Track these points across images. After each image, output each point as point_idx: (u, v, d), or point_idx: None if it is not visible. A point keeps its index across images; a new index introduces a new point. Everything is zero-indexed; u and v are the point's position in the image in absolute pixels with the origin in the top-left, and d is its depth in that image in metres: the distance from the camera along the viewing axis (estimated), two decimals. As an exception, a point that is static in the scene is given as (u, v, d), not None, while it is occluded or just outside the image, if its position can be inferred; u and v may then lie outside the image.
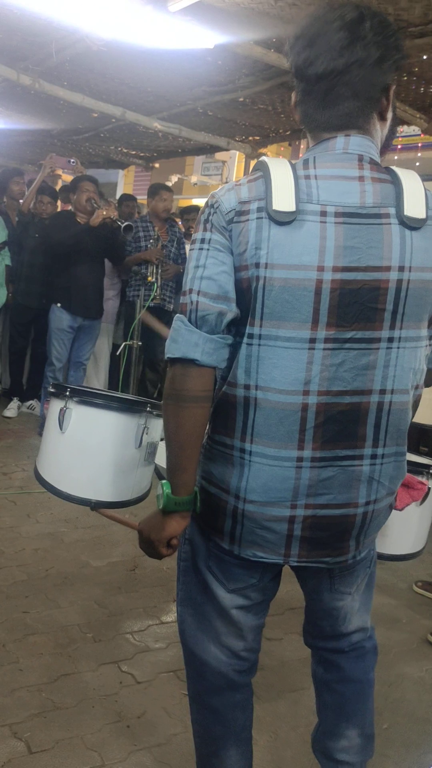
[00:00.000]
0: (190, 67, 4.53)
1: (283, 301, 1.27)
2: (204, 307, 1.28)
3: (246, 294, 1.29)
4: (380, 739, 1.97)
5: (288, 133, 6.18)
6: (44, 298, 5.33)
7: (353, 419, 1.32)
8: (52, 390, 2.10)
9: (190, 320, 1.29)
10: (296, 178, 1.28)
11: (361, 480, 1.35)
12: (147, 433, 2.04)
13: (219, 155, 9.95)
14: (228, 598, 1.46)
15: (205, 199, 1.36)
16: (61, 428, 1.98)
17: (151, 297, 5.43)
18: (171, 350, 1.30)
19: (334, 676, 1.64)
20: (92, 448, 2.01)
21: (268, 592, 1.52)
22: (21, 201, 5.50)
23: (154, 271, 5.52)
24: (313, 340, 1.27)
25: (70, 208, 5.33)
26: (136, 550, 3.32)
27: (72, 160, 5.97)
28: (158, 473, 2.17)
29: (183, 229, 5.76)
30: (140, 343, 4.99)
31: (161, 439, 2.09)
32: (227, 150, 7.11)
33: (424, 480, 2.09)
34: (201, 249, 1.31)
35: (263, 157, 1.35)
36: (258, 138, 6.44)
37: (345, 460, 1.33)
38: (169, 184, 7.17)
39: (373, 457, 1.35)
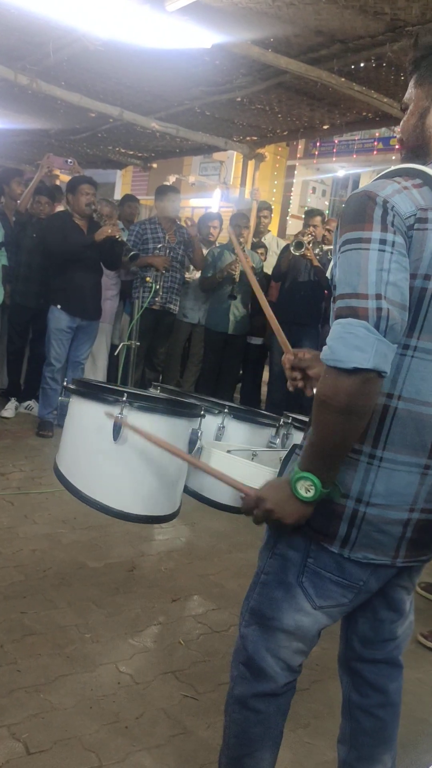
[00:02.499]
0: (188, 67, 4.54)
1: None
2: (394, 315, 1.21)
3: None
4: (379, 739, 1.97)
5: (285, 133, 6.19)
6: (42, 299, 5.33)
7: None
8: (90, 391, 1.86)
9: (378, 328, 1.20)
10: None
11: None
12: (200, 438, 1.91)
13: (216, 155, 9.95)
14: (312, 615, 1.45)
15: (360, 194, 1.30)
16: (115, 439, 1.76)
17: (149, 299, 5.44)
18: (357, 359, 1.18)
19: (375, 700, 1.64)
20: (151, 459, 1.83)
21: (346, 612, 1.53)
22: (19, 201, 5.50)
23: (158, 276, 5.53)
24: None
25: (62, 208, 5.34)
26: (133, 551, 3.32)
27: (69, 160, 5.97)
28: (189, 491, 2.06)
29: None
30: (138, 344, 4.99)
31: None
32: (225, 150, 7.13)
33: None
34: (383, 251, 1.22)
35: (413, 165, 1.33)
36: (255, 138, 6.45)
37: None
38: (167, 184, 7.17)
39: None
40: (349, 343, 1.19)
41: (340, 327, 1.21)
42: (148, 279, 5.52)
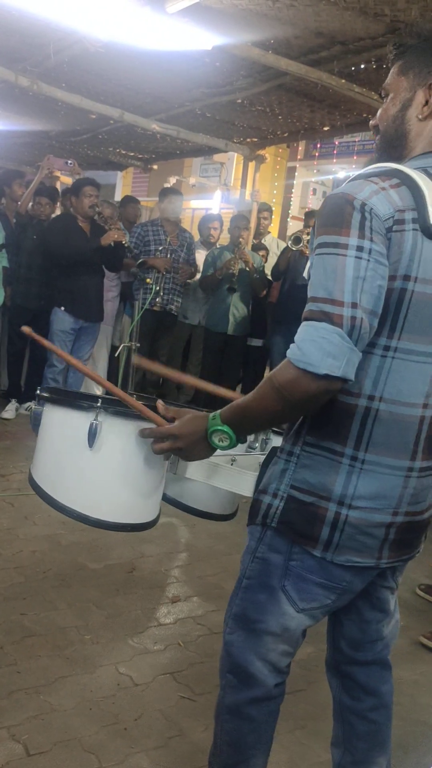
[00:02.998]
0: (188, 69, 4.54)
1: (423, 316, 1.29)
2: (366, 325, 1.22)
3: (384, 304, 1.27)
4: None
5: (286, 134, 6.18)
6: (42, 300, 5.33)
7: None
8: (63, 398, 1.83)
9: (351, 336, 1.20)
10: None
11: None
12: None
13: (217, 157, 9.93)
14: (296, 618, 1.44)
15: (339, 196, 1.28)
16: (90, 446, 1.69)
17: (149, 300, 5.44)
18: (328, 366, 1.18)
19: (368, 704, 1.63)
20: (129, 466, 1.76)
21: (329, 612, 1.52)
22: (19, 203, 5.50)
23: (159, 277, 5.54)
24: None
25: (58, 210, 5.35)
26: (133, 553, 3.32)
27: (69, 161, 5.97)
28: (168, 499, 2.02)
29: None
30: (138, 345, 4.99)
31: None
32: (225, 151, 7.12)
33: None
34: (359, 258, 1.22)
35: (393, 164, 1.32)
36: (256, 139, 6.45)
37: None
38: (167, 185, 7.17)
39: None
40: (323, 349, 1.19)
41: (312, 329, 1.21)
42: (148, 280, 5.53)
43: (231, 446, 1.38)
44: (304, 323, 1.24)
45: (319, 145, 9.13)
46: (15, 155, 9.01)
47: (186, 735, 2.12)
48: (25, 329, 1.95)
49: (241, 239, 5.76)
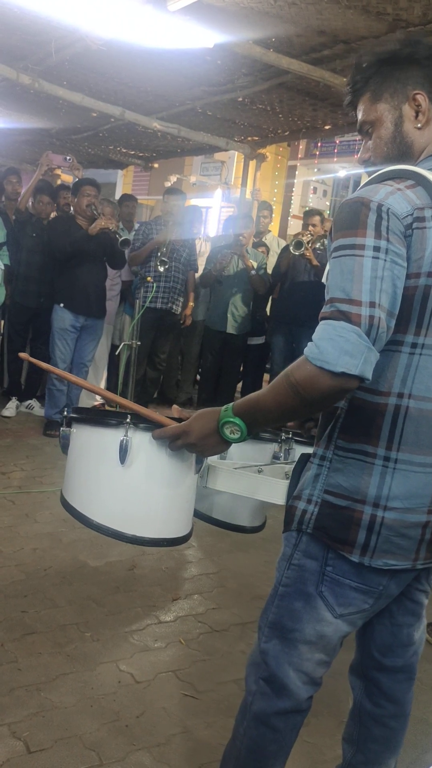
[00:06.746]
0: (190, 67, 4.54)
1: None
2: (384, 325, 1.22)
3: (409, 301, 1.27)
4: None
5: (287, 133, 6.19)
6: (42, 298, 5.33)
7: None
8: (91, 417, 1.83)
9: (369, 335, 1.20)
10: None
11: None
12: (207, 458, 1.83)
13: (218, 155, 9.95)
14: (333, 624, 1.43)
15: (354, 200, 1.29)
16: (122, 462, 1.69)
17: (150, 298, 5.45)
18: (345, 364, 1.17)
19: (388, 711, 1.63)
20: (161, 479, 1.75)
21: (367, 618, 1.51)
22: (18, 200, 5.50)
23: (160, 276, 5.54)
24: None
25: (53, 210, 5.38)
26: (134, 550, 3.32)
27: (68, 157, 5.97)
28: (199, 515, 2.03)
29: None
30: (139, 343, 4.99)
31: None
32: (226, 150, 7.13)
33: None
34: (377, 258, 1.22)
35: (402, 166, 1.33)
36: (257, 138, 6.45)
37: None
38: (168, 184, 7.17)
39: None
40: (340, 347, 1.18)
41: (330, 328, 1.20)
42: (149, 279, 5.53)
43: (241, 439, 1.37)
44: (322, 322, 1.23)
45: (320, 144, 9.14)
46: (16, 153, 9.01)
47: (189, 732, 2.12)
48: (22, 355, 1.99)
49: (241, 237, 5.77)
